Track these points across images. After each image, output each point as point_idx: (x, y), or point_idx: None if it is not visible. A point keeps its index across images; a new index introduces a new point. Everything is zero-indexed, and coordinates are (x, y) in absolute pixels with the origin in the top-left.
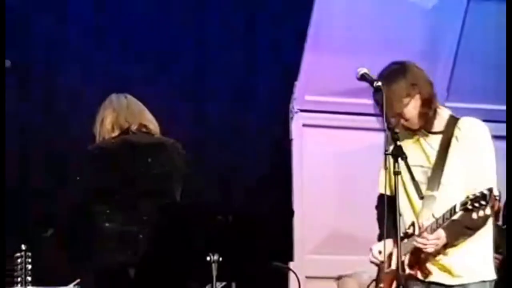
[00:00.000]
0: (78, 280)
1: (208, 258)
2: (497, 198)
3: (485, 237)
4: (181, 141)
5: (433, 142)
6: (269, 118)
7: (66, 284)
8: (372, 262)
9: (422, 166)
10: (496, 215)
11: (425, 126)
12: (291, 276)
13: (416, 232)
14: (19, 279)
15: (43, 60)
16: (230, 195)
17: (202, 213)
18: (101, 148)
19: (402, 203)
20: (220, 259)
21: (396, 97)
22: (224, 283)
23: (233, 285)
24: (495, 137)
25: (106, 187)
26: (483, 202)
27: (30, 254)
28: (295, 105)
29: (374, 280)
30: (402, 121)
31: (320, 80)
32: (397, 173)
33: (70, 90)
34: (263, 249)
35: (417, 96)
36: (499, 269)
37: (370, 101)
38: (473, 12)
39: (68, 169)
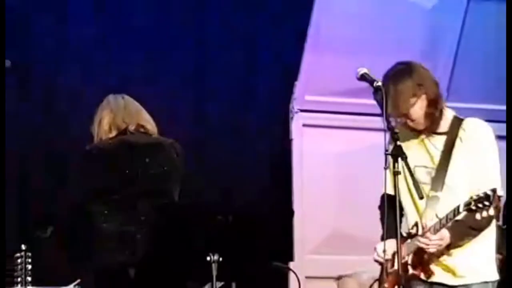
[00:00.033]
0: (78, 280)
1: (208, 258)
2: (501, 198)
3: (489, 238)
4: (181, 141)
5: (437, 142)
6: (269, 118)
7: (66, 284)
8: (376, 261)
9: (426, 167)
10: (496, 215)
11: (431, 127)
12: (291, 276)
13: (420, 232)
14: (19, 279)
15: (43, 60)
16: (230, 195)
17: (202, 213)
18: (99, 148)
19: (406, 203)
20: (220, 259)
21: (402, 98)
22: (222, 283)
23: (233, 285)
24: (495, 137)
25: (104, 187)
26: (486, 203)
27: (30, 254)
28: (295, 105)
29: (376, 280)
30: (408, 121)
31: (320, 80)
32: (396, 173)
33: (70, 90)
34: (263, 249)
35: (423, 97)
36: (501, 269)
37: (370, 101)
38: (473, 12)
39: (68, 169)
